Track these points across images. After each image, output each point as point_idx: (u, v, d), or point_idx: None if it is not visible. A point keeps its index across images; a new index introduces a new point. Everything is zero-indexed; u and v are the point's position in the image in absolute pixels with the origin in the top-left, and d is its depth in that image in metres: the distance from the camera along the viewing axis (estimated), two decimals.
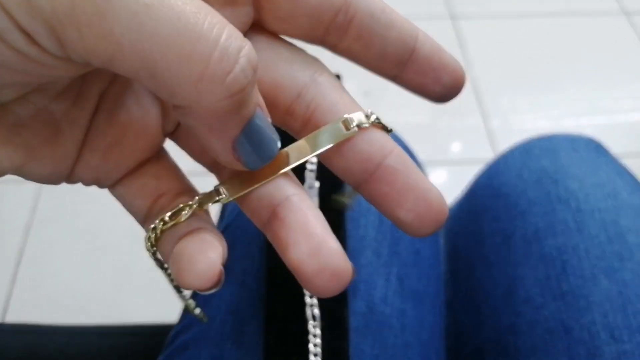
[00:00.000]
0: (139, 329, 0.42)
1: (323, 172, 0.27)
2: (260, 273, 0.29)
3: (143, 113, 0.17)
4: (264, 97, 0.15)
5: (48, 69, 0.13)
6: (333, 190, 0.27)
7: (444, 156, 1.04)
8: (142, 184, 0.18)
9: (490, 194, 0.37)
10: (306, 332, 0.24)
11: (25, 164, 0.15)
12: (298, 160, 0.15)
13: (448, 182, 0.98)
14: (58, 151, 0.16)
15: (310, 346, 0.23)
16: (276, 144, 0.15)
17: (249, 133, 0.14)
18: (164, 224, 0.16)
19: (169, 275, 0.18)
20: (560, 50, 1.20)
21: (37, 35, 0.12)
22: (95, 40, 0.12)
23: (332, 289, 0.14)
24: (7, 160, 0.15)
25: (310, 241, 0.15)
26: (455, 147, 1.06)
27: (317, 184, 0.27)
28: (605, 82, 1.15)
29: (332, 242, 0.15)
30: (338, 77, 0.31)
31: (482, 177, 0.40)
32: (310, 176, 0.27)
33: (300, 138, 0.16)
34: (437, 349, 0.32)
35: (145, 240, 0.16)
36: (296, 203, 0.15)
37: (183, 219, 0.16)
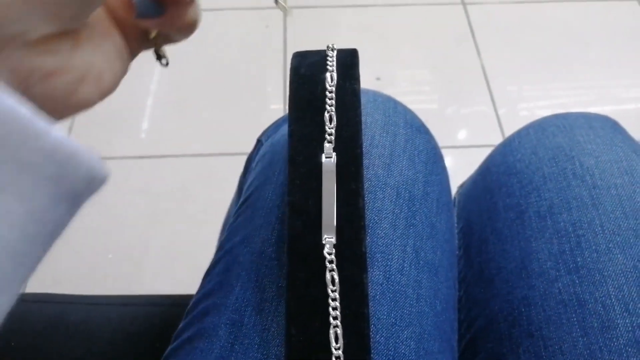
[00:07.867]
0: (159, 300, 0.42)
1: (339, 144, 0.28)
2: (280, 242, 0.29)
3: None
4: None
5: None
6: (351, 164, 0.27)
7: (452, 142, 1.04)
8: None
9: (505, 171, 0.38)
10: (326, 296, 0.24)
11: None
12: None
13: (455, 166, 0.98)
14: None
15: (330, 310, 0.24)
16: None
17: None
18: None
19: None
20: (570, 37, 1.19)
21: None
22: None
23: None
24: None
25: None
26: (463, 133, 1.06)
27: (334, 154, 0.28)
28: (616, 70, 1.14)
29: None
30: (355, 52, 0.32)
31: (496, 154, 0.40)
32: (327, 147, 0.28)
33: None
34: (451, 320, 0.32)
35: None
36: None
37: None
